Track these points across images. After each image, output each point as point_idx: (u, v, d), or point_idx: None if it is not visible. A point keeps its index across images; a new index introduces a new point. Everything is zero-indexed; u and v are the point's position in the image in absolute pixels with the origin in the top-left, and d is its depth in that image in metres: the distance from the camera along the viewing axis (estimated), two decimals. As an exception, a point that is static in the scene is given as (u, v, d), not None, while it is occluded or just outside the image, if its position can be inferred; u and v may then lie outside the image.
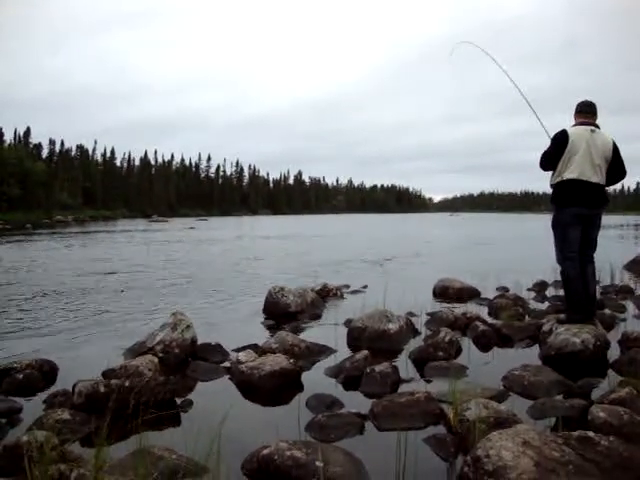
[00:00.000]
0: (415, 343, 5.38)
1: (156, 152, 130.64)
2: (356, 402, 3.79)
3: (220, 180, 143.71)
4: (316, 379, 4.37)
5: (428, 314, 6.65)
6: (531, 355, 5.04)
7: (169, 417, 3.48)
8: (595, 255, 5.46)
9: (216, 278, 11.02)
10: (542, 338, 5.23)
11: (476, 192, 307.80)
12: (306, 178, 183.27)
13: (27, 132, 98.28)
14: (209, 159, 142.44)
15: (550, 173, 5.39)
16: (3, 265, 13.61)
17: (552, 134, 5.38)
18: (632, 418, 3.12)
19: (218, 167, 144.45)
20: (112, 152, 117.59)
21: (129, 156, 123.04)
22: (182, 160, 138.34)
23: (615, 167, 5.25)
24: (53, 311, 7.37)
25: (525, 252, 17.08)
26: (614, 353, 4.90)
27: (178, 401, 3.84)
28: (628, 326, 5.95)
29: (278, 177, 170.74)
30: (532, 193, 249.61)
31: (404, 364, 4.69)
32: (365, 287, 9.41)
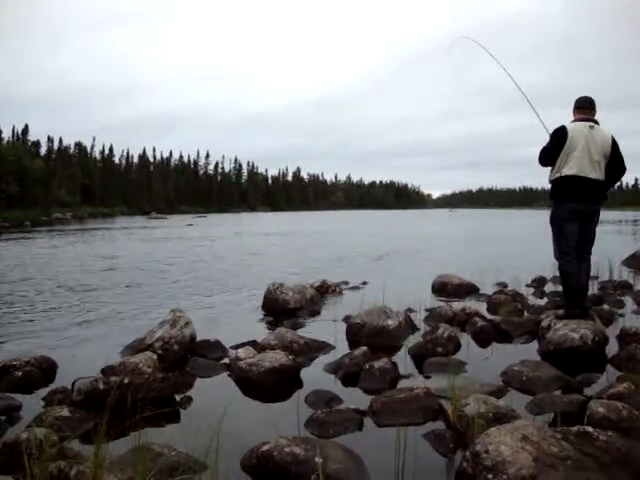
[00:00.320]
0: (414, 339, 5.38)
1: (154, 149, 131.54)
2: (355, 398, 3.79)
3: (219, 177, 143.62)
4: (315, 375, 4.37)
5: (427, 310, 6.65)
6: (530, 351, 5.05)
7: (168, 414, 3.48)
8: (593, 250, 5.47)
9: (215, 275, 11.02)
10: (541, 334, 5.24)
11: (475, 188, 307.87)
12: (305, 175, 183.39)
13: (25, 130, 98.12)
14: (207, 156, 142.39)
15: (549, 169, 5.39)
16: (1, 263, 13.60)
17: (551, 130, 5.39)
18: (630, 413, 3.13)
19: (217, 164, 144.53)
20: (110, 149, 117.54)
21: (127, 153, 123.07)
22: (180, 157, 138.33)
23: (614, 163, 5.24)
24: (52, 308, 7.38)
25: (523, 248, 17.09)
26: (613, 348, 4.91)
27: (177, 398, 3.85)
28: (626, 321, 5.97)
29: (277, 174, 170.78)
30: (531, 189, 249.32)
31: (403, 360, 4.69)
32: (364, 283, 9.41)
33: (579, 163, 5.12)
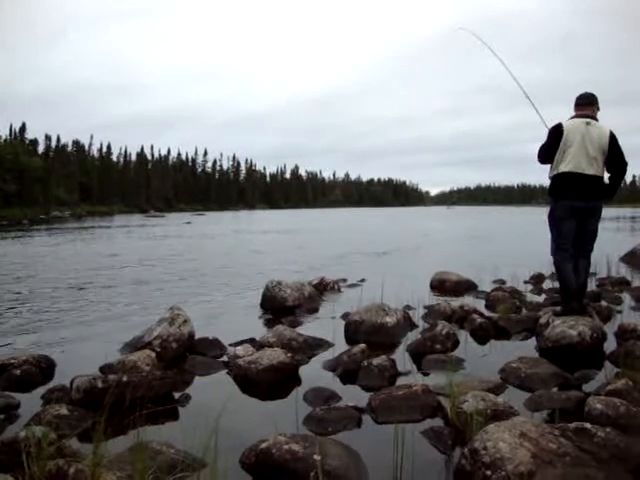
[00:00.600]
0: (412, 336, 5.39)
1: (152, 147, 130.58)
2: (354, 395, 3.80)
3: (217, 175, 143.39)
4: (314, 373, 4.38)
5: (425, 307, 6.66)
6: (528, 347, 5.06)
7: (167, 412, 3.49)
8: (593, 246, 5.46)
9: (213, 273, 11.02)
10: (539, 330, 5.25)
11: (473, 185, 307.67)
12: (303, 172, 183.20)
13: (23, 128, 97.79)
14: (205, 154, 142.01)
15: (549, 166, 5.40)
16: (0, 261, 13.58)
17: (550, 126, 5.40)
18: (628, 409, 3.14)
19: (215, 162, 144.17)
20: (108, 147, 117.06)
21: (125, 151, 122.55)
22: (179, 155, 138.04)
23: (613, 158, 5.24)
24: (49, 306, 7.37)
25: (521, 245, 17.12)
26: (611, 345, 4.93)
27: (176, 395, 3.85)
28: (624, 318, 5.99)
29: (275, 172, 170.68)
30: (529, 186, 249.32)
31: (401, 357, 4.70)
32: (362, 280, 9.42)
33: (575, 160, 5.13)
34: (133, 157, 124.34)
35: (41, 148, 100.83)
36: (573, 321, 4.93)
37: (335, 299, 7.80)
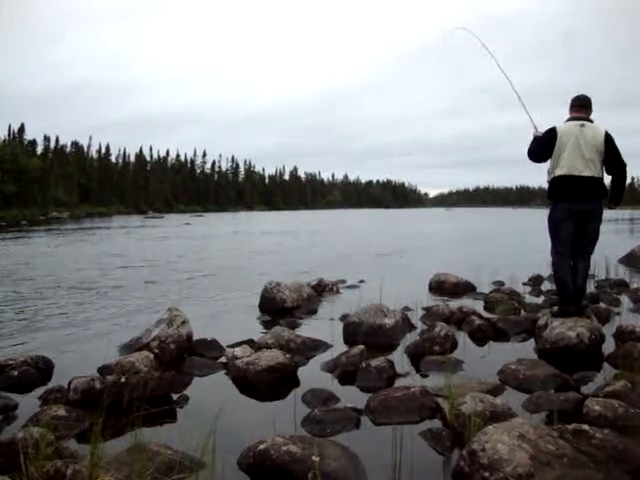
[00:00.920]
0: (411, 338, 5.39)
1: (151, 148, 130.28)
2: (352, 397, 3.79)
3: (216, 176, 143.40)
4: (312, 374, 4.38)
5: (424, 309, 6.66)
6: (527, 349, 5.06)
7: (165, 413, 3.48)
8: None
9: (212, 274, 11.02)
10: (538, 332, 5.25)
11: (472, 187, 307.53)
12: (302, 173, 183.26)
13: (21, 128, 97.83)
14: (204, 155, 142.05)
15: (547, 170, 5.42)
16: (-2, 262, 13.57)
17: (540, 127, 5.43)
18: (627, 411, 3.14)
19: (214, 163, 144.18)
20: (107, 148, 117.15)
21: (124, 152, 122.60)
22: (177, 156, 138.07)
23: (610, 159, 5.23)
24: (48, 307, 7.36)
25: (520, 246, 17.13)
26: (609, 346, 4.93)
27: (174, 397, 3.85)
28: (623, 319, 5.99)
29: (274, 172, 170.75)
30: (528, 188, 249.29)
31: (400, 359, 4.70)
32: (361, 282, 9.42)
33: (569, 163, 5.14)
34: (132, 158, 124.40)
35: (40, 149, 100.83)
36: (572, 323, 4.93)
37: (334, 300, 7.79)
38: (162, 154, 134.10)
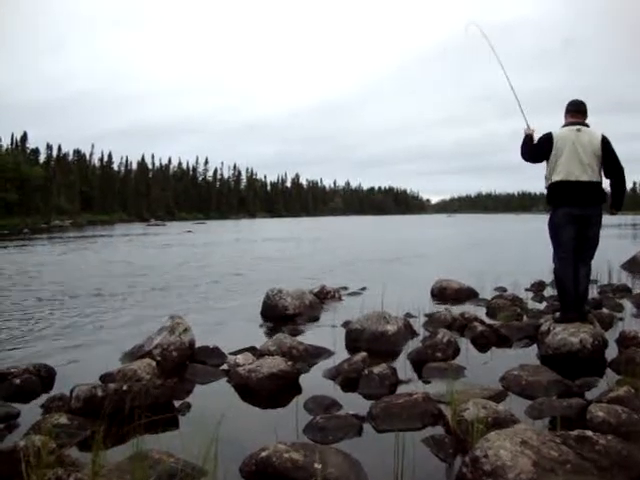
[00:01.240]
0: (413, 344, 5.38)
1: (153, 156, 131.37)
2: (354, 404, 3.78)
3: (218, 183, 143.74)
4: (314, 381, 4.37)
5: (426, 315, 6.64)
6: (529, 355, 5.05)
7: (167, 420, 3.47)
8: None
9: (214, 281, 11.01)
10: (540, 338, 5.24)
11: (473, 193, 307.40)
12: (303, 181, 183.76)
13: (24, 137, 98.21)
14: (206, 162, 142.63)
15: (544, 174, 5.43)
16: (1, 270, 13.58)
17: (541, 133, 5.44)
18: (630, 417, 3.13)
19: (215, 170, 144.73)
20: (109, 156, 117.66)
21: (126, 160, 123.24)
22: (179, 164, 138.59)
23: (608, 162, 5.24)
24: (50, 315, 7.37)
25: (522, 252, 17.11)
26: (612, 352, 4.91)
27: (176, 404, 3.84)
28: (626, 325, 5.97)
29: (275, 180, 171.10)
30: (529, 193, 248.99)
31: (402, 365, 4.69)
32: (363, 289, 9.41)
33: (566, 168, 5.15)
34: (134, 166, 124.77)
35: (42, 157, 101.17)
36: (574, 328, 4.93)
37: (336, 307, 7.79)
38: (164, 162, 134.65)
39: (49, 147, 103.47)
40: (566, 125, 5.31)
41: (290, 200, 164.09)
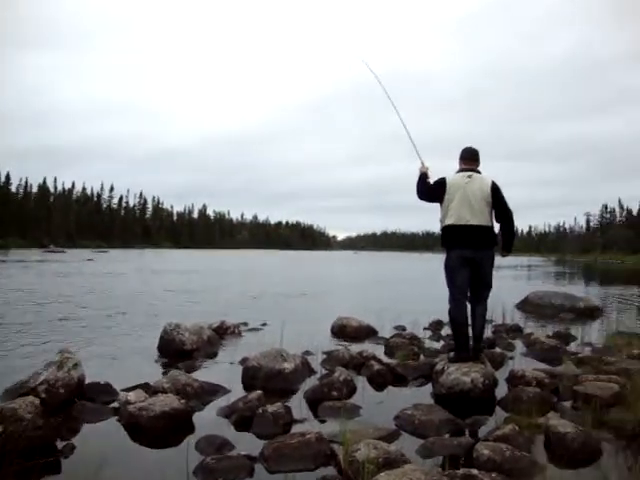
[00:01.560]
0: (310, 382, 5.36)
1: (56, 179, 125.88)
2: (247, 443, 3.72)
3: (122, 212, 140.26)
4: (208, 420, 4.27)
5: (324, 353, 6.64)
6: (424, 394, 5.14)
7: (48, 464, 3.29)
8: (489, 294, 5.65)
9: (112, 313, 10.63)
10: (435, 377, 5.34)
11: (379, 231, 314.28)
12: (211, 212, 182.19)
13: None
14: (112, 189, 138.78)
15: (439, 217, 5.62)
16: None
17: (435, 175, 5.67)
18: (513, 454, 3.24)
19: (121, 198, 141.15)
20: (7, 177, 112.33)
21: (26, 182, 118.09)
22: (83, 189, 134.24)
23: (497, 208, 5.50)
24: None
25: (423, 291, 17.53)
26: (502, 391, 5.08)
27: (59, 446, 3.64)
28: (516, 364, 6.20)
29: (182, 210, 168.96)
30: (432, 233, 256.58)
31: (298, 404, 4.66)
32: (264, 325, 9.33)
33: (457, 213, 5.37)
34: (34, 189, 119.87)
35: None
36: (467, 368, 5.06)
37: (235, 343, 7.68)
38: (67, 186, 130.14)
39: None
40: (460, 171, 5.55)
41: (196, 231, 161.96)
